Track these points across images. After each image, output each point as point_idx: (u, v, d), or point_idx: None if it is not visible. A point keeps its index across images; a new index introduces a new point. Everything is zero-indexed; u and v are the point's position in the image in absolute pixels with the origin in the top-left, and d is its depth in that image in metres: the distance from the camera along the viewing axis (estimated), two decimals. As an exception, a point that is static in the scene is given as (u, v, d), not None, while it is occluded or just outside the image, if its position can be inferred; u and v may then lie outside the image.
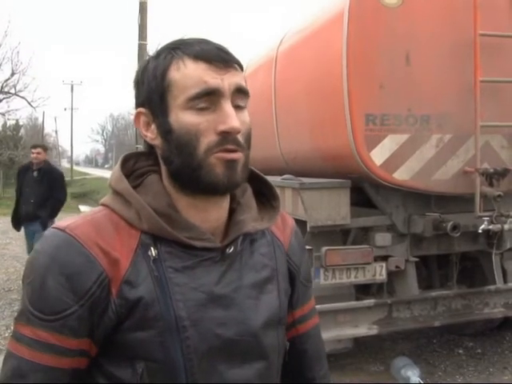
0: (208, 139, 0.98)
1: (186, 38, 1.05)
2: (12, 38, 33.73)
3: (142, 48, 13.95)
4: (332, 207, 4.08)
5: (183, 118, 0.98)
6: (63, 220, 1.03)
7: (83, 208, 29.32)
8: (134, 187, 1.04)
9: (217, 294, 1.01)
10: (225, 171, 0.98)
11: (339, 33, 4.04)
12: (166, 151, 1.02)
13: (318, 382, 1.26)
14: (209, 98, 0.98)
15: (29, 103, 26.16)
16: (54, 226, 1.01)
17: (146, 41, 13.83)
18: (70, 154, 68.03)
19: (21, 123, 34.02)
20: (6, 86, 25.51)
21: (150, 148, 1.07)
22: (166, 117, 1.00)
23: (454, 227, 4.09)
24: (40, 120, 43.86)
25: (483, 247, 4.54)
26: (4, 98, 26.10)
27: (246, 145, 1.03)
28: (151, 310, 0.96)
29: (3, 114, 28.19)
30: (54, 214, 7.19)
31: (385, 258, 4.31)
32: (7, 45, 38.95)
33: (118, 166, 1.07)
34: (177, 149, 1.00)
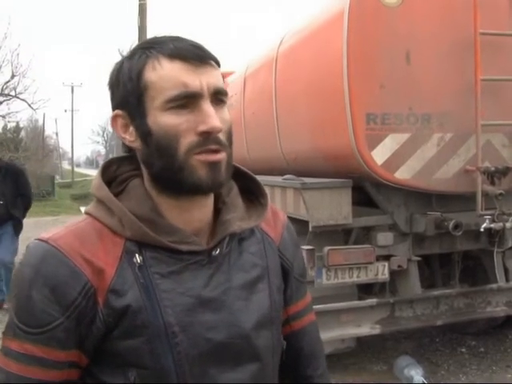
0: (188, 140, 0.96)
1: (159, 36, 1.02)
2: (12, 40, 33.65)
3: (141, 49, 13.91)
4: (334, 207, 4.08)
5: (162, 119, 0.97)
6: (46, 231, 1.02)
7: (84, 209, 29.30)
8: (118, 193, 1.03)
9: (205, 297, 0.99)
10: (208, 173, 0.97)
11: (339, 32, 4.04)
12: (146, 154, 1.00)
13: (316, 381, 1.23)
14: (188, 98, 0.96)
15: (29, 105, 26.10)
16: (37, 237, 1.00)
17: (145, 42, 13.81)
18: (70, 155, 68.00)
19: (21, 125, 33.99)
20: (6, 88, 25.48)
21: (130, 151, 1.06)
22: (144, 119, 0.98)
23: (456, 226, 4.09)
24: (40, 122, 43.84)
25: (485, 246, 4.53)
26: (4, 101, 26.05)
27: (228, 142, 1.00)
28: (139, 318, 0.95)
29: (3, 117, 28.14)
30: (25, 213, 6.90)
31: (387, 258, 4.31)
32: (7, 47, 38.84)
33: (98, 173, 1.05)
34: (157, 151, 0.98)
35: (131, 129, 1.01)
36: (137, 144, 1.02)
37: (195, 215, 1.03)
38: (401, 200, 4.33)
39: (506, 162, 4.14)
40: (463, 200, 4.29)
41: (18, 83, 25.38)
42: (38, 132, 41.98)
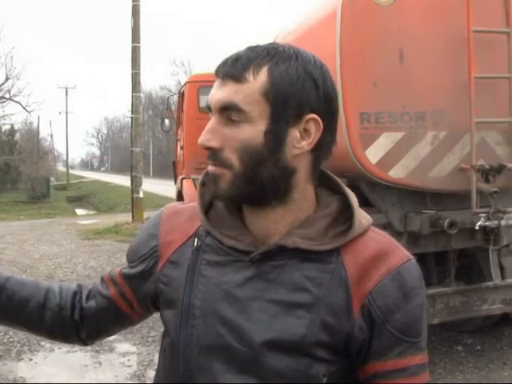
0: None
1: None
2: (5, 43, 33.75)
3: (135, 50, 13.93)
4: (328, 206, 4.06)
5: None
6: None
7: (80, 211, 29.29)
8: None
9: (233, 295, 1.00)
10: (210, 182, 1.05)
11: (332, 31, 4.04)
12: None
13: None
14: (211, 114, 1.02)
15: (24, 108, 26.11)
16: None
17: (139, 43, 13.82)
18: (65, 157, 67.96)
19: (16, 128, 33.99)
20: (1, 90, 25.47)
21: None
22: None
23: (451, 224, 4.09)
24: (35, 124, 43.82)
25: (480, 244, 4.53)
26: (-2, 103, 26.03)
27: (239, 161, 0.98)
28: (175, 292, 1.06)
29: (-2, 119, 28.12)
30: None
31: (382, 257, 4.30)
32: (1, 50, 38.79)
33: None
34: None
35: None
36: None
37: (259, 222, 1.05)
38: (395, 199, 4.33)
39: (501, 160, 4.14)
40: (458, 198, 4.29)
41: (13, 86, 25.39)
42: (32, 134, 41.94)
